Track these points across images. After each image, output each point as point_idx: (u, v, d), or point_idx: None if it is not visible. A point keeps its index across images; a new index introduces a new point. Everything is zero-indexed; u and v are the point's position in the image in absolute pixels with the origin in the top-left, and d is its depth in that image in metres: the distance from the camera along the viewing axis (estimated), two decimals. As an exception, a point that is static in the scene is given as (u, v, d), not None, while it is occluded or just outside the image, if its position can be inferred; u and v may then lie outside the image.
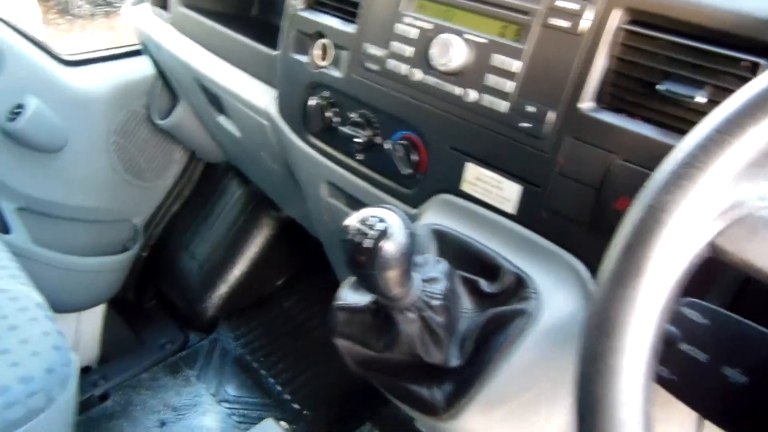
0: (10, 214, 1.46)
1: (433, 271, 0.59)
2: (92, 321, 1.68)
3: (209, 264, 1.66)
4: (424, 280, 0.57)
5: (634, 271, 0.36)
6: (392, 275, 0.51)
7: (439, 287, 0.58)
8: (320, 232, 1.06)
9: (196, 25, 1.19)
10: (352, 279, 0.63)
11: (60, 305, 1.07)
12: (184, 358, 1.56)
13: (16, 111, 1.38)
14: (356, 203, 0.87)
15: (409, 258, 0.52)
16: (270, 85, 1.00)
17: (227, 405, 1.44)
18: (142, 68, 1.55)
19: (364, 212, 0.52)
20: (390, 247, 0.50)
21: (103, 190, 1.61)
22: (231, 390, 1.47)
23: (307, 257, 1.74)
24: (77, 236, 1.61)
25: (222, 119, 1.24)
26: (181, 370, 1.53)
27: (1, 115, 1.38)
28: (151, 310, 1.75)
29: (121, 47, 1.59)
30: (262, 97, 1.00)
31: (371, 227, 0.51)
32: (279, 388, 1.47)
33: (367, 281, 0.53)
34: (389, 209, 0.53)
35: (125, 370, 1.54)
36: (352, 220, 0.52)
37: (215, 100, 1.19)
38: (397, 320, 0.56)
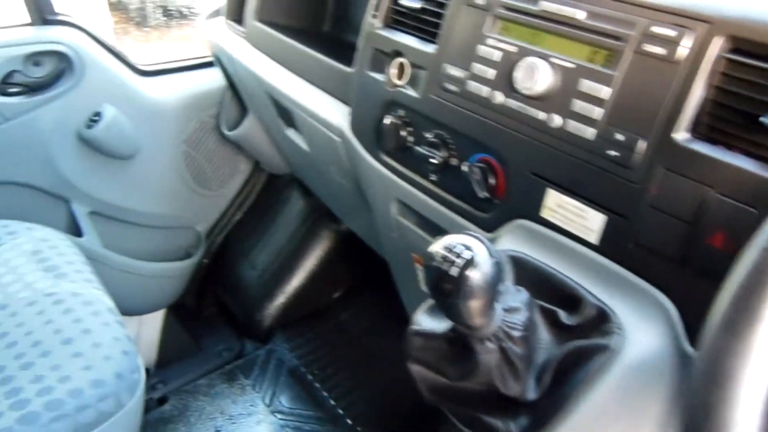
0: (82, 217, 1.51)
1: (514, 301, 0.58)
2: (152, 324, 1.72)
3: (268, 274, 1.68)
4: (505, 310, 0.56)
5: (750, 319, 0.34)
6: (476, 305, 0.50)
7: (520, 317, 0.56)
8: (386, 248, 1.05)
9: (269, 39, 1.21)
10: (428, 303, 0.62)
11: (124, 308, 1.10)
12: (240, 367, 1.58)
13: (94, 119, 1.44)
14: (427, 223, 0.86)
15: (494, 288, 0.51)
16: (343, 102, 1.00)
17: (281, 416, 1.45)
18: (213, 80, 1.59)
19: (450, 239, 0.51)
20: (476, 277, 0.49)
21: (170, 197, 1.65)
22: (285, 401, 1.48)
23: (365, 271, 1.75)
24: (143, 241, 1.65)
25: (291, 133, 1.25)
26: (237, 378, 1.55)
27: (80, 122, 1.43)
28: (210, 317, 1.78)
29: (193, 59, 1.63)
30: (334, 113, 1.00)
31: (458, 255, 0.50)
32: (333, 402, 1.47)
33: (449, 309, 0.52)
34: (475, 237, 0.52)
35: (183, 375, 1.57)
36: (438, 246, 0.51)
37: (285, 113, 1.21)
38: (476, 349, 0.55)
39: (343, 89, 1.00)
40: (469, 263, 0.49)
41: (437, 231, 0.84)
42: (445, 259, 0.50)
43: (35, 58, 1.36)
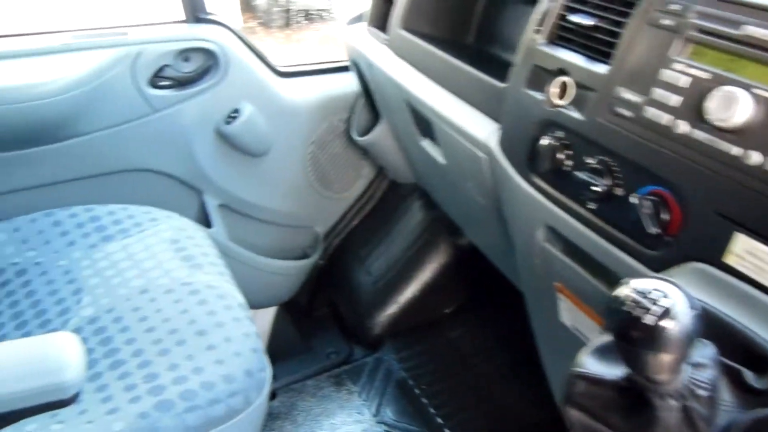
0: (213, 209, 1.56)
1: (700, 356, 0.52)
2: (264, 319, 1.75)
3: (383, 281, 1.67)
4: (691, 365, 0.51)
5: None
6: (667, 359, 0.45)
7: (707, 375, 0.51)
8: (522, 274, 1.01)
9: (413, 48, 1.20)
10: (594, 344, 0.58)
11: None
12: (348, 372, 1.58)
13: (233, 115, 1.48)
14: (577, 253, 0.81)
15: (690, 342, 0.46)
16: (491, 118, 0.97)
17: (386, 428, 1.43)
18: (347, 84, 1.60)
19: (643, 283, 0.47)
20: (674, 329, 0.44)
21: (294, 197, 1.68)
22: (391, 413, 1.46)
23: (479, 290, 1.70)
24: (265, 237, 1.69)
25: (426, 143, 1.23)
26: (345, 383, 1.55)
27: (220, 117, 1.48)
28: (320, 318, 1.79)
29: (328, 62, 1.65)
30: (481, 128, 0.97)
31: (653, 302, 0.45)
32: (440, 420, 1.43)
33: (633, 359, 0.47)
34: (672, 283, 0.47)
35: (292, 373, 1.58)
36: (628, 289, 0.47)
37: (423, 123, 1.19)
38: (655, 405, 0.50)
39: (491, 104, 0.97)
40: (667, 313, 0.45)
41: (589, 262, 0.79)
42: (637, 304, 0.46)
43: (186, 54, 1.42)
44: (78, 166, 1.40)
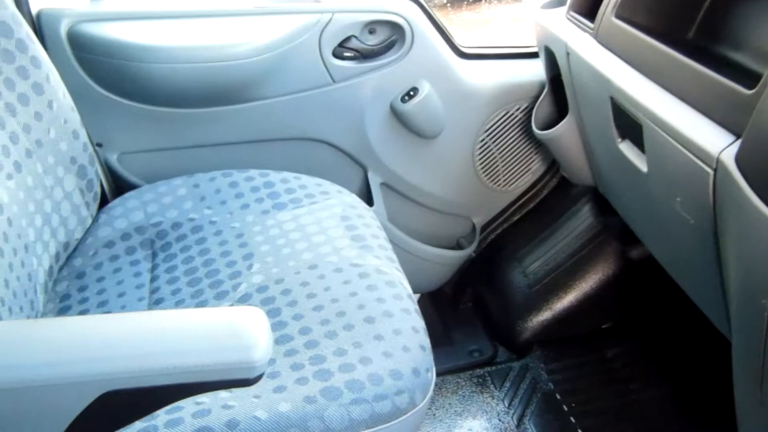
0: (375, 187, 1.53)
1: None
2: (409, 304, 1.71)
3: (540, 285, 1.57)
4: None
5: None
6: None
7: None
8: (737, 316, 0.87)
9: (627, 39, 1.07)
10: None
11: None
12: (492, 375, 1.50)
13: (410, 93, 1.43)
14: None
15: None
16: (725, 128, 0.84)
17: (527, 442, 1.34)
18: (532, 72, 1.50)
19: None
20: None
21: (456, 184, 1.61)
22: (534, 427, 1.36)
23: (645, 307, 1.55)
24: (420, 222, 1.64)
25: (625, 146, 1.11)
26: (487, 386, 1.47)
27: (397, 94, 1.44)
28: (465, 312, 1.72)
29: (515, 47, 1.56)
30: (711, 139, 0.84)
31: None
32: (587, 443, 1.32)
33: None
34: None
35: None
36: None
37: (627, 124, 1.07)
38: None
39: (729, 113, 0.83)
40: None
41: None
42: None
43: (372, 26, 1.38)
44: (256, 129, 1.41)
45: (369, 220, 1.14)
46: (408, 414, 0.81)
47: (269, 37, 1.32)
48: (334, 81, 1.39)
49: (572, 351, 1.54)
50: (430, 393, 0.86)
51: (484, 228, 1.72)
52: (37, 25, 1.23)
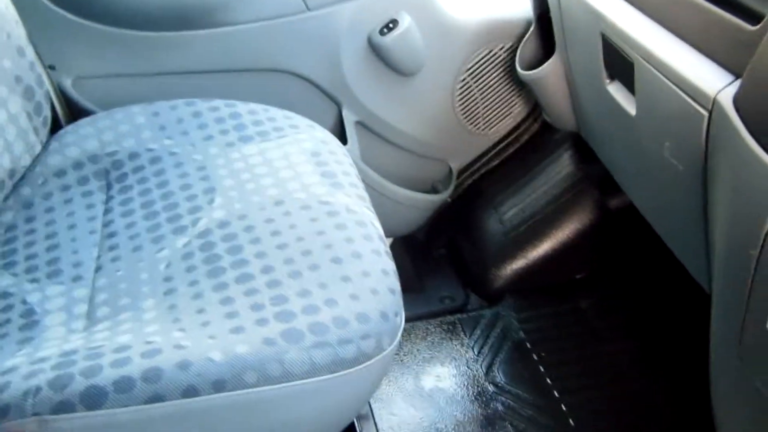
0: (349, 124, 1.46)
1: None
2: (380, 249, 1.67)
3: (515, 232, 1.52)
4: None
5: None
6: None
7: None
8: (718, 265, 0.83)
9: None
10: None
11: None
12: (463, 321, 1.47)
13: (390, 26, 1.35)
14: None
15: None
16: (724, 67, 0.78)
17: (494, 389, 1.32)
18: (520, 9, 1.42)
19: None
20: None
21: (434, 125, 1.54)
22: (503, 375, 1.35)
23: (621, 258, 1.53)
24: (395, 164, 1.57)
25: (614, 88, 1.05)
26: (457, 333, 1.44)
27: (375, 26, 1.35)
28: (438, 258, 1.68)
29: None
30: (707, 78, 0.79)
31: None
32: (556, 394, 1.31)
33: None
34: None
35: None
36: None
37: (617, 63, 1.01)
38: None
39: (729, 51, 0.78)
40: None
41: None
42: None
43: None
44: (222, 57, 1.32)
45: (341, 157, 1.08)
46: (374, 359, 0.76)
47: (237, -45, 1.22)
48: (308, 8, 1.30)
49: (545, 301, 1.51)
50: (398, 338, 0.82)
51: (461, 172, 1.66)
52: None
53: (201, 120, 1.12)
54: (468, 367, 1.36)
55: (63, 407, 0.65)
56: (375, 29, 1.36)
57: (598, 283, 1.53)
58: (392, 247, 1.68)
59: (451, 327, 1.46)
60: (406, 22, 1.35)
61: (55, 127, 1.15)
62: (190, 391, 0.67)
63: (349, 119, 1.46)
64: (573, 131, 1.44)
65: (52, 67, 1.26)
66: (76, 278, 0.88)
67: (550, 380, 1.33)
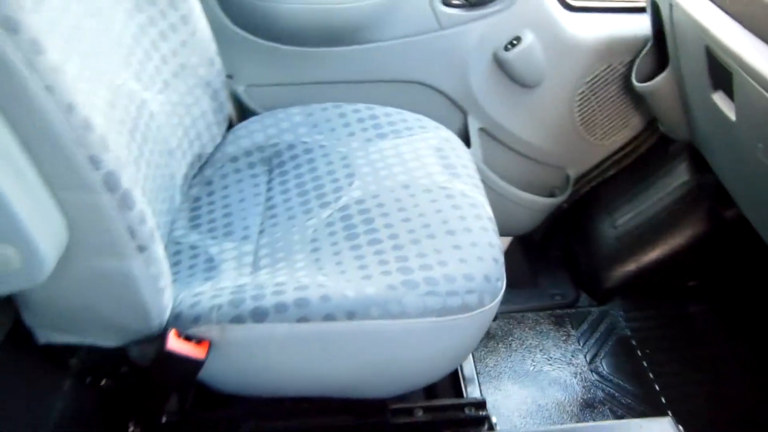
0: (474, 131, 1.62)
1: None
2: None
3: (628, 237, 1.61)
4: None
5: None
6: None
7: None
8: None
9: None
10: None
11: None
12: (570, 315, 1.57)
13: (513, 42, 1.50)
14: None
15: None
16: (808, 73, 0.87)
17: (598, 378, 1.41)
18: (637, 26, 1.52)
19: None
20: None
21: (553, 134, 1.66)
22: (606, 366, 1.44)
23: (734, 269, 1.56)
24: (515, 169, 1.71)
25: (717, 96, 1.14)
26: (564, 325, 1.55)
27: (500, 43, 1.51)
28: (553, 259, 1.79)
29: (622, 1, 1.58)
30: (792, 82, 0.87)
31: None
32: (657, 387, 1.38)
33: None
34: None
35: (515, 303, 1.62)
36: None
37: (720, 73, 1.10)
38: None
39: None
40: None
41: None
42: None
43: (480, -23, 1.46)
44: (366, 69, 1.54)
45: (461, 153, 1.25)
46: (475, 312, 0.92)
47: (382, -18, 1.44)
48: (441, 27, 1.49)
49: (653, 304, 1.58)
50: (498, 299, 0.96)
51: (578, 179, 1.76)
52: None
53: (346, 120, 1.34)
54: (572, 356, 1.47)
55: (237, 319, 0.88)
56: (500, 45, 1.51)
57: (708, 290, 1.57)
58: (510, 246, 1.82)
59: (559, 320, 1.57)
60: (528, 39, 1.49)
61: (230, 123, 1.42)
62: (329, 317, 0.87)
63: (473, 126, 1.62)
64: (687, 142, 1.51)
65: (230, 77, 1.54)
66: (245, 237, 1.11)
67: (653, 374, 1.41)
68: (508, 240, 1.83)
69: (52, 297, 0.84)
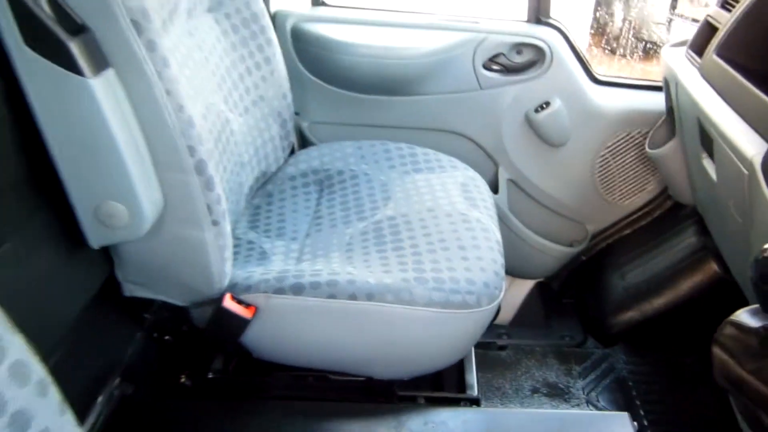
0: (502, 180, 1.83)
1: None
2: (520, 290, 1.98)
3: (635, 289, 1.76)
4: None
5: None
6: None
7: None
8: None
9: (721, 74, 1.29)
10: (755, 306, 0.69)
11: (506, 266, 1.37)
12: (576, 354, 1.73)
13: (543, 106, 1.72)
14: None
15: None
16: (763, 137, 1.05)
17: (591, 408, 1.55)
18: (654, 101, 1.72)
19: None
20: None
21: (575, 191, 1.86)
22: (602, 399, 1.58)
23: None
24: (538, 218, 1.90)
25: (706, 162, 1.32)
26: (569, 361, 1.70)
27: (532, 105, 1.74)
28: (566, 305, 1.95)
29: (642, 79, 1.79)
30: (750, 145, 1.06)
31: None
32: (645, 423, 1.51)
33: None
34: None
35: (525, 338, 1.79)
36: (773, 243, 0.60)
37: (708, 142, 1.28)
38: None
39: (764, 122, 1.04)
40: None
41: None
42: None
43: (519, 47, 1.70)
44: (413, 117, 1.78)
45: (483, 190, 1.46)
46: (474, 310, 1.11)
47: (434, 45, 1.70)
48: (481, 87, 1.73)
49: (653, 351, 1.72)
50: (495, 304, 1.15)
51: (595, 235, 1.94)
52: (273, 19, 1.71)
53: (389, 155, 1.57)
54: (571, 386, 1.62)
55: (280, 291, 1.10)
56: (531, 108, 1.74)
57: (700, 342, 1.70)
58: (531, 291, 1.99)
59: (565, 356, 1.73)
60: (556, 104, 1.71)
61: (293, 150, 1.68)
62: (352, 296, 1.08)
63: (503, 176, 1.84)
64: (693, 206, 1.68)
65: (296, 114, 1.81)
66: (293, 238, 1.34)
67: (643, 411, 1.54)
68: (529, 285, 2.00)
69: (141, 254, 1.08)
